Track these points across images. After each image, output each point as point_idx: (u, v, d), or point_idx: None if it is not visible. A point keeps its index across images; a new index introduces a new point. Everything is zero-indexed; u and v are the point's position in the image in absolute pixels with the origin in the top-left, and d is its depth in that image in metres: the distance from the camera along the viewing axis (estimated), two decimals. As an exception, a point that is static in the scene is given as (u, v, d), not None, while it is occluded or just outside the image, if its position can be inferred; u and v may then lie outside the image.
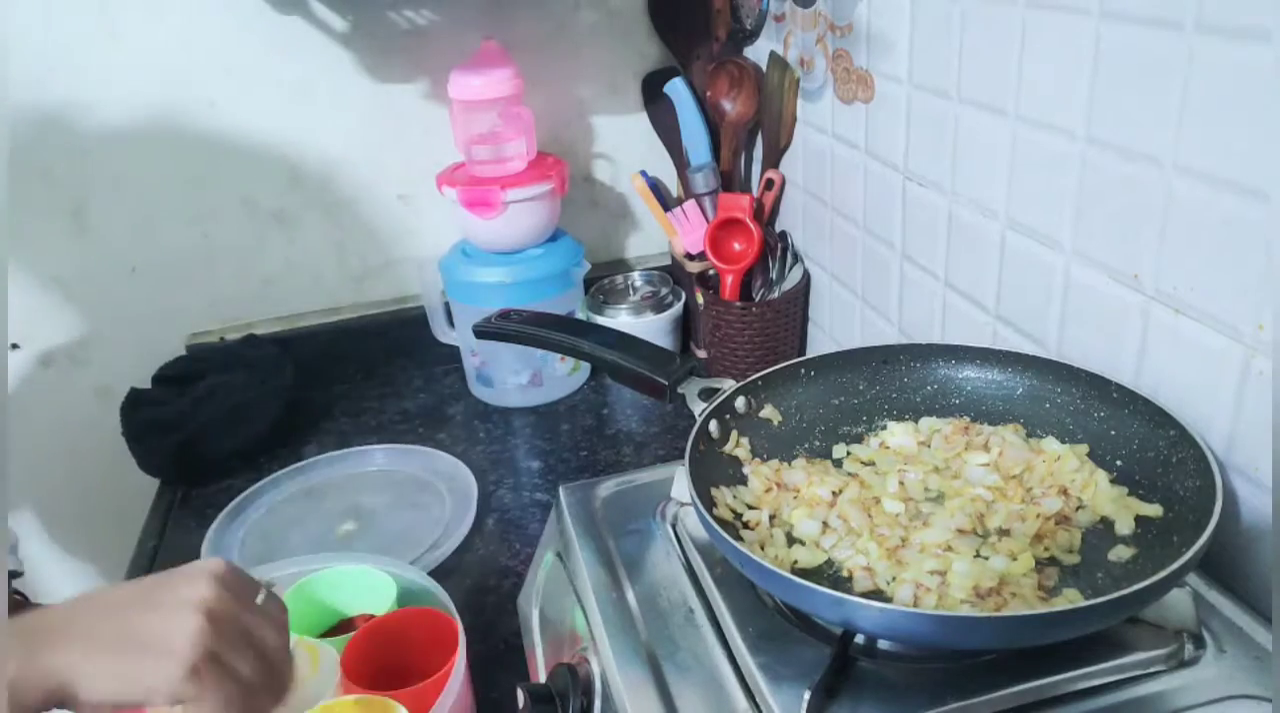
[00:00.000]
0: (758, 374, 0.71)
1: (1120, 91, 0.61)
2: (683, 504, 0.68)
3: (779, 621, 0.57)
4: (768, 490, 0.65)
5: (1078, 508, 0.61)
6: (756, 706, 0.52)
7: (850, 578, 0.58)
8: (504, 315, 0.80)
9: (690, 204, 1.21)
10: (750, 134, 1.21)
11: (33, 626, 0.52)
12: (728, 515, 0.62)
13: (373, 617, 0.77)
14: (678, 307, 1.28)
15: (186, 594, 0.53)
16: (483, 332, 0.80)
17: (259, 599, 0.57)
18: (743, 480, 0.66)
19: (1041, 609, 0.52)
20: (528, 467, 1.11)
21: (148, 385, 1.18)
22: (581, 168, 1.34)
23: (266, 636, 0.56)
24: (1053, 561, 0.58)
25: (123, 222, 1.21)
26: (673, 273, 1.34)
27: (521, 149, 1.16)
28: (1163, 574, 0.47)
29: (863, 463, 0.69)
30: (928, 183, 0.85)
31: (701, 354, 1.28)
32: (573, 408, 1.22)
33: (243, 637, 0.54)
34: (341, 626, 0.82)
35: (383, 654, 0.75)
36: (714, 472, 0.64)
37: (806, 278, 1.15)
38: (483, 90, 1.12)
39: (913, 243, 0.90)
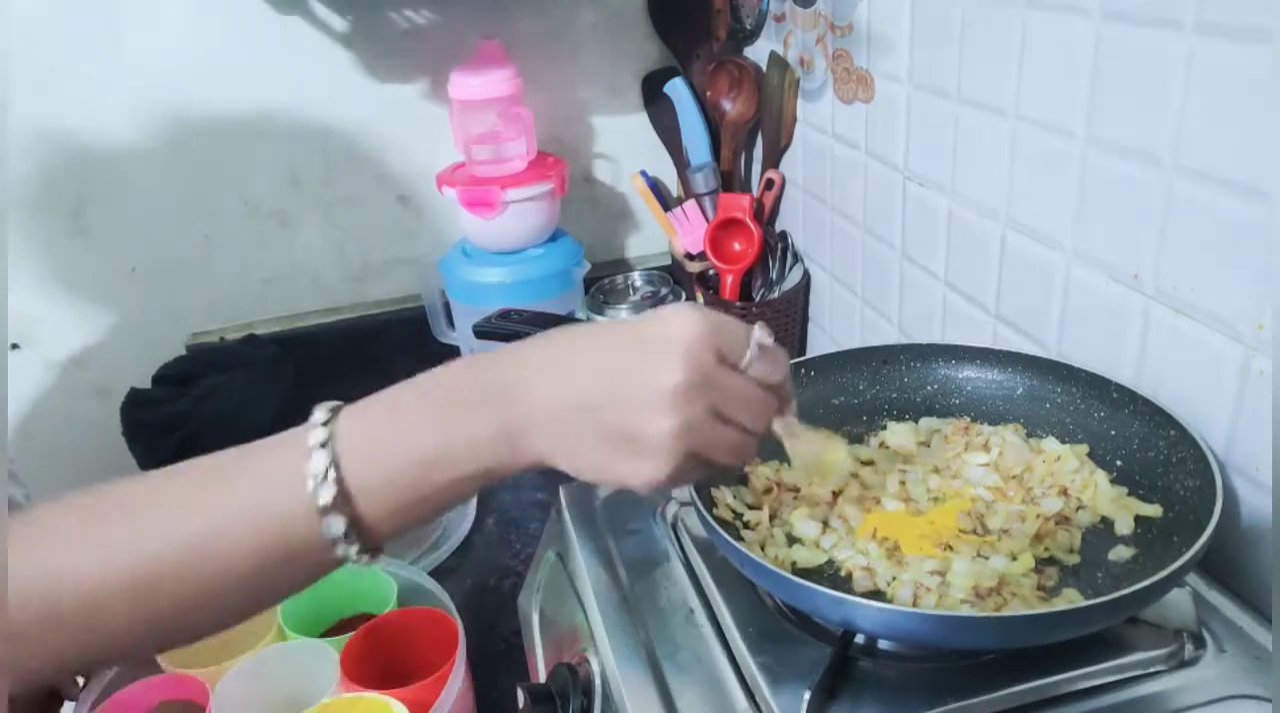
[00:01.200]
0: (758, 374, 0.70)
1: (1120, 91, 0.61)
2: (683, 504, 0.68)
3: (779, 621, 0.57)
4: (768, 490, 0.65)
5: (1078, 508, 0.61)
6: (756, 706, 0.52)
7: (850, 578, 0.58)
8: (504, 315, 0.80)
9: (690, 204, 1.21)
10: (750, 134, 1.21)
11: (503, 401, 0.47)
12: (728, 515, 0.62)
13: (373, 617, 0.77)
14: (678, 307, 1.28)
15: (657, 384, 0.45)
16: (483, 332, 0.80)
17: (744, 363, 0.48)
18: (743, 480, 0.66)
19: (1041, 609, 0.52)
20: (528, 467, 1.11)
21: (148, 385, 1.18)
22: (581, 168, 1.34)
23: (749, 413, 0.48)
24: (1053, 561, 0.58)
25: (123, 222, 1.21)
26: (673, 273, 1.33)
27: (521, 149, 1.16)
28: (1163, 574, 0.47)
29: (863, 463, 0.69)
30: (928, 183, 0.85)
31: (701, 354, 1.27)
32: (573, 408, 1.22)
33: (724, 427, 0.47)
34: (341, 626, 0.82)
35: (383, 654, 0.75)
36: (714, 472, 0.64)
37: (806, 278, 1.15)
38: (482, 90, 1.12)
39: (913, 243, 0.90)
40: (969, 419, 0.70)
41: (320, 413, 0.49)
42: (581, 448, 0.46)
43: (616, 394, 0.46)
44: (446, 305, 1.26)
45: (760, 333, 0.49)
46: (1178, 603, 0.53)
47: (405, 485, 0.46)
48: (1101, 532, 0.59)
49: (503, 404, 0.47)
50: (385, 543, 0.48)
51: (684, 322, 0.46)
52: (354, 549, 0.46)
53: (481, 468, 0.47)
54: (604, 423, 0.46)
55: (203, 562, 0.45)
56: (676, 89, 1.20)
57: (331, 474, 0.45)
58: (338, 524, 0.45)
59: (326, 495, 0.45)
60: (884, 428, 0.71)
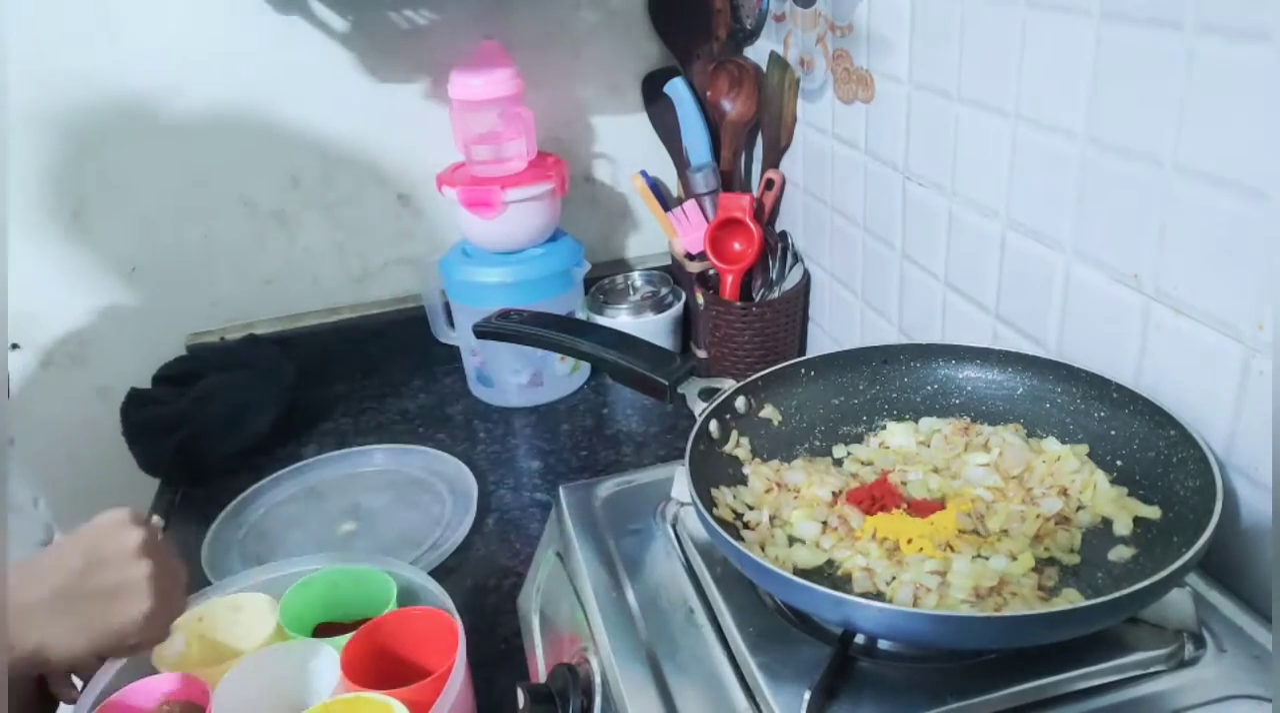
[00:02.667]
0: (758, 374, 0.71)
1: (1120, 92, 0.61)
2: (683, 504, 0.68)
3: (779, 621, 0.57)
4: (768, 491, 0.65)
5: (1078, 508, 0.61)
6: (757, 706, 0.52)
7: (850, 578, 0.58)
8: (504, 315, 0.80)
9: (690, 204, 1.21)
10: (750, 134, 1.21)
11: None
12: (728, 516, 0.62)
13: (372, 617, 0.77)
14: (678, 307, 1.28)
15: (127, 544, 0.63)
16: (483, 332, 0.80)
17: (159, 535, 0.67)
18: (743, 480, 0.66)
19: (1041, 609, 0.52)
20: (528, 467, 1.11)
21: (148, 385, 1.18)
22: (581, 168, 1.34)
23: (178, 565, 0.68)
24: (1053, 561, 0.58)
25: (123, 222, 1.21)
26: (673, 273, 1.34)
27: (521, 149, 1.16)
28: (1163, 574, 0.47)
29: (863, 463, 0.69)
30: (928, 183, 0.85)
31: (701, 354, 1.28)
32: (573, 408, 1.22)
33: (176, 569, 0.67)
34: (341, 626, 0.82)
35: (383, 654, 0.75)
36: (714, 472, 0.64)
37: (806, 278, 1.15)
38: (483, 90, 1.12)
39: (913, 243, 0.90)
40: (969, 419, 0.70)
41: None
42: (73, 624, 0.61)
43: (93, 556, 0.62)
44: (446, 305, 1.26)
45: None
46: (1178, 603, 0.53)
47: None
48: (1101, 532, 0.59)
49: None
50: None
51: (112, 513, 0.66)
52: None
53: None
54: (86, 591, 0.61)
55: None
56: (676, 89, 1.20)
57: None
58: None
59: None
60: (884, 428, 0.71)
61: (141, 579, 0.63)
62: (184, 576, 0.69)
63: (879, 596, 0.56)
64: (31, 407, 1.24)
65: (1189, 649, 0.52)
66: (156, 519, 0.72)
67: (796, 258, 1.15)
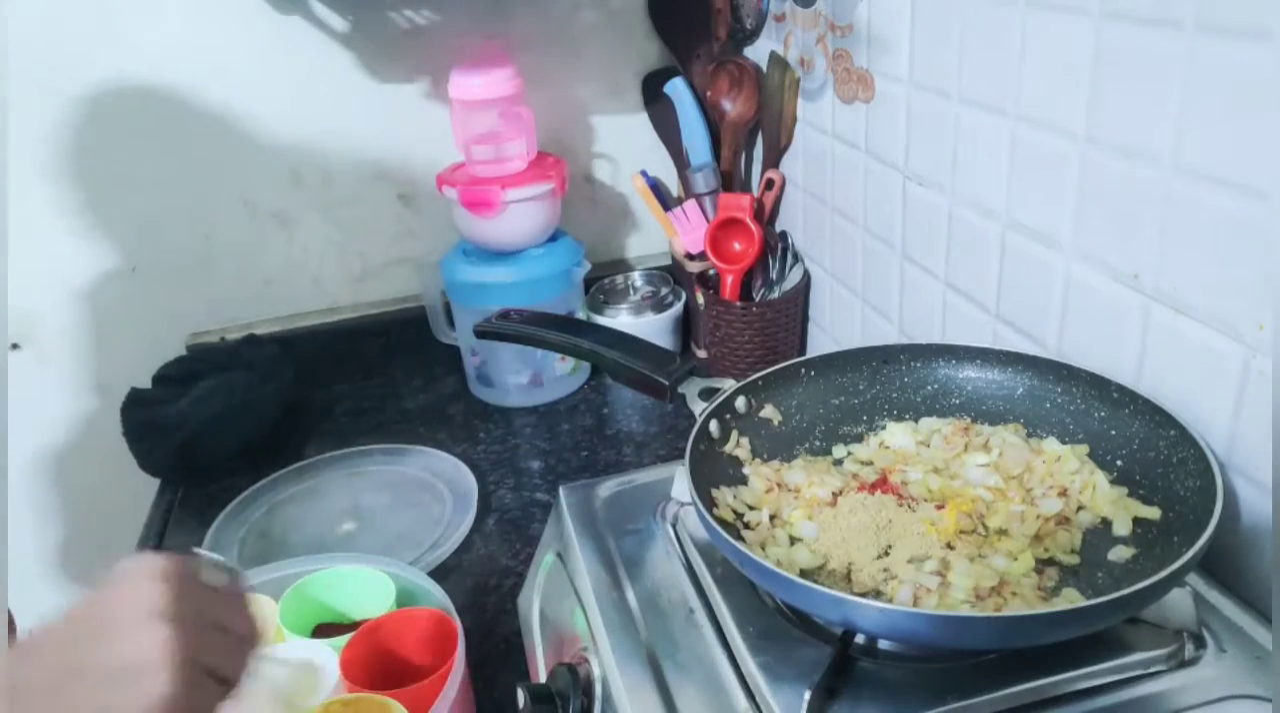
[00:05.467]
0: (758, 374, 0.71)
1: (1120, 91, 0.61)
2: (683, 504, 0.68)
3: (779, 621, 0.57)
4: (768, 491, 0.65)
5: (1078, 509, 0.61)
6: (757, 706, 0.52)
7: (850, 578, 0.58)
8: (504, 315, 0.80)
9: (690, 204, 1.21)
10: (750, 134, 1.21)
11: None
12: (728, 516, 0.62)
13: (372, 618, 0.77)
14: (678, 307, 1.28)
15: (141, 606, 0.47)
16: (483, 332, 0.80)
17: (206, 578, 0.52)
18: (743, 480, 0.66)
19: (1041, 609, 0.52)
20: (528, 467, 1.11)
21: (148, 385, 1.18)
22: (581, 168, 1.34)
23: (234, 617, 0.52)
24: (1053, 561, 0.58)
25: (123, 222, 1.21)
26: (673, 273, 1.34)
27: (521, 149, 1.16)
28: (1163, 574, 0.47)
29: (863, 463, 0.69)
30: (928, 183, 0.85)
31: (701, 354, 1.28)
32: (573, 408, 1.22)
33: (212, 629, 0.50)
34: (341, 626, 0.82)
35: (382, 654, 0.75)
36: (714, 472, 0.64)
37: (806, 278, 1.15)
38: (483, 90, 1.12)
39: (913, 243, 0.90)
40: (969, 419, 0.70)
41: None
42: (77, 694, 0.45)
43: (103, 626, 0.46)
44: (446, 305, 1.26)
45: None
46: (1178, 603, 0.53)
47: None
48: (1101, 532, 0.59)
49: None
50: None
51: (139, 562, 0.49)
52: None
53: None
54: (94, 656, 0.46)
55: None
56: (676, 89, 1.20)
57: None
58: None
59: None
60: (884, 428, 0.71)
61: (153, 654, 0.46)
62: (253, 635, 0.52)
63: (879, 595, 0.56)
64: (31, 407, 1.24)
65: (1189, 649, 0.52)
66: (226, 564, 0.54)
67: (796, 258, 1.15)
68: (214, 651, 0.49)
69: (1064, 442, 0.65)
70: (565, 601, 0.67)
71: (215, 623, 0.50)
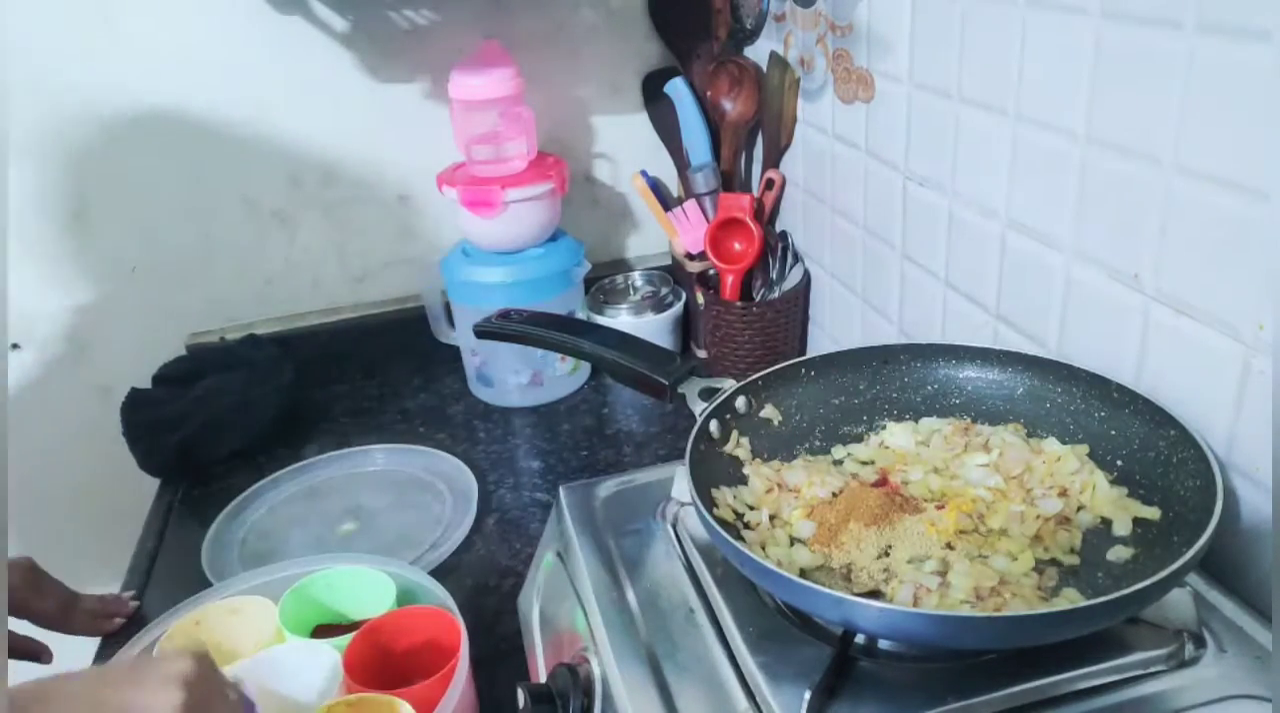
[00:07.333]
0: (758, 374, 0.71)
1: (1120, 91, 0.61)
2: (683, 504, 0.68)
3: (779, 621, 0.57)
4: (768, 491, 0.65)
5: (1078, 509, 0.61)
6: (757, 706, 0.52)
7: (850, 578, 0.58)
8: (504, 315, 0.80)
9: (690, 204, 1.21)
10: (750, 134, 1.21)
11: (22, 700, 0.51)
12: (728, 516, 0.62)
13: (372, 618, 0.77)
14: (678, 307, 1.28)
15: (169, 670, 0.54)
16: (483, 332, 0.80)
17: (229, 693, 0.58)
18: (743, 480, 0.66)
19: (1041, 609, 0.52)
20: (528, 467, 1.11)
21: (148, 385, 1.18)
22: (581, 168, 1.34)
23: None
24: (1053, 561, 0.58)
25: (123, 222, 1.20)
26: (673, 273, 1.34)
27: (522, 149, 1.16)
28: (1163, 574, 0.47)
29: (862, 463, 0.69)
30: (928, 183, 0.85)
31: (701, 354, 1.28)
32: (573, 408, 1.22)
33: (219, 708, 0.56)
34: (342, 626, 0.82)
35: (384, 654, 0.75)
36: (714, 472, 0.64)
37: (806, 278, 1.15)
38: (483, 90, 1.12)
39: (913, 242, 0.90)
40: (969, 419, 0.70)
41: None
42: None
43: (132, 675, 0.54)
44: (446, 305, 1.26)
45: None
46: (1178, 603, 0.53)
47: None
48: (1101, 532, 0.59)
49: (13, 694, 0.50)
50: None
51: (187, 652, 0.56)
52: None
53: None
54: (115, 694, 0.52)
55: None
56: (676, 89, 1.20)
57: None
58: None
59: None
60: (884, 428, 0.71)
61: (169, 707, 0.51)
62: None
63: (879, 595, 0.56)
64: (31, 407, 1.24)
65: (1189, 649, 0.52)
66: (238, 680, 0.61)
67: (796, 258, 1.15)
68: None
69: (1064, 442, 0.65)
70: (565, 601, 0.67)
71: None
